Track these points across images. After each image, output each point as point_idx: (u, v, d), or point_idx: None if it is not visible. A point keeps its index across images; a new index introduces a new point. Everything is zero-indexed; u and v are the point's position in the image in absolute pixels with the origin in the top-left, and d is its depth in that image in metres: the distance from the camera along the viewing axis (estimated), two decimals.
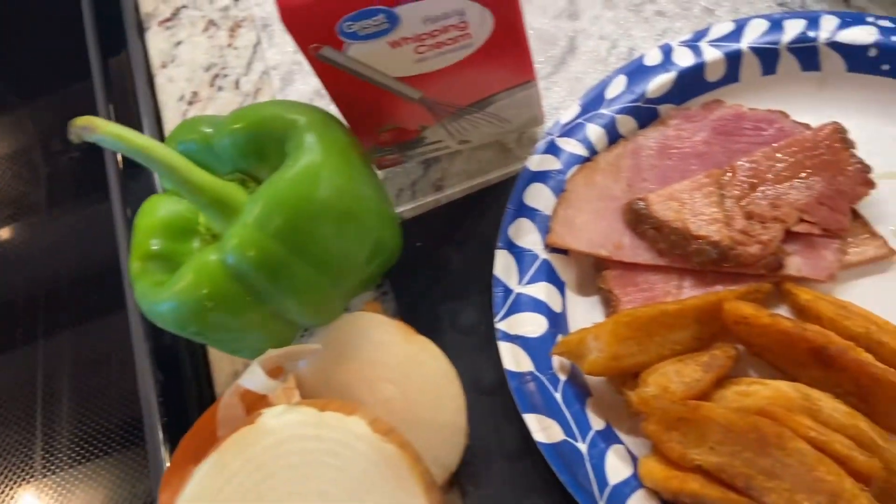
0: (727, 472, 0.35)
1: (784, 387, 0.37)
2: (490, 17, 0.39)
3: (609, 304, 0.43)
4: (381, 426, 0.36)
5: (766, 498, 0.34)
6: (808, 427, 0.35)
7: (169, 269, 0.40)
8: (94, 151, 0.60)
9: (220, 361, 0.50)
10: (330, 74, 0.41)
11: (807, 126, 0.45)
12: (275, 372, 0.42)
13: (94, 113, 0.60)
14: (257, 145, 0.40)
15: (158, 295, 0.38)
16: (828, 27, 0.46)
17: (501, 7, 0.39)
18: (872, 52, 0.45)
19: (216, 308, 0.38)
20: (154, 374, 0.49)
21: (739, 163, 0.45)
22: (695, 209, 0.44)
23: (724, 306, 0.39)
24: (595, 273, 0.45)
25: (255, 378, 0.39)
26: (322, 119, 0.40)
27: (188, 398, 0.49)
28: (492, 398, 0.44)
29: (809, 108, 0.47)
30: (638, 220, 0.44)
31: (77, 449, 0.52)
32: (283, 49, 0.60)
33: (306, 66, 0.44)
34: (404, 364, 0.42)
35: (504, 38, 0.41)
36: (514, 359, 0.42)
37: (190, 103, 0.60)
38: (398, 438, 0.36)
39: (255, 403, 0.40)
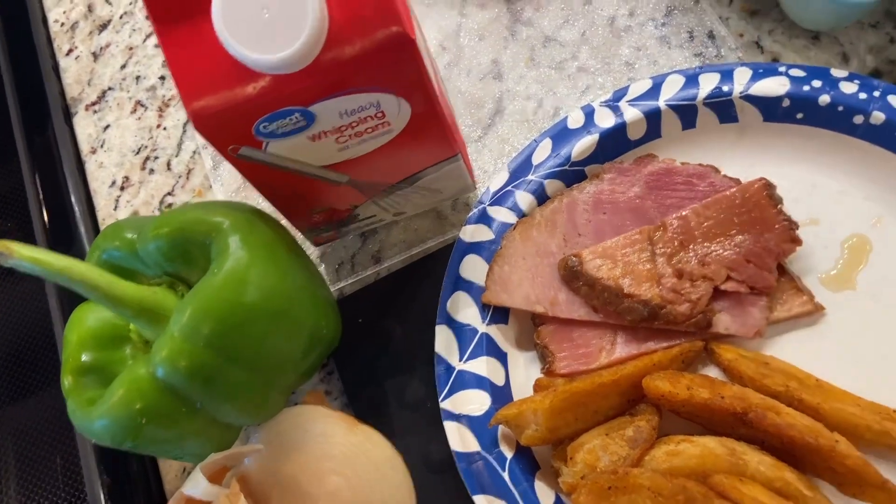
0: None
1: (711, 443, 0.38)
2: (406, 106, 0.40)
3: (545, 359, 0.44)
4: None
5: None
6: (752, 497, 0.36)
7: (102, 381, 0.40)
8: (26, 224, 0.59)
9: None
10: (252, 170, 0.41)
11: (737, 181, 0.46)
12: (219, 474, 0.42)
13: (24, 208, 0.58)
14: (182, 250, 0.39)
15: (90, 413, 0.38)
16: (741, 80, 0.47)
17: (416, 96, 0.39)
18: (786, 103, 0.47)
19: (150, 422, 0.37)
20: (100, 476, 0.48)
21: (670, 219, 0.45)
22: (627, 267, 0.44)
23: (643, 384, 0.39)
24: (533, 327, 0.45)
25: (197, 484, 0.39)
26: (246, 218, 0.40)
27: (135, 498, 0.48)
28: (442, 476, 0.44)
29: (731, 158, 0.48)
30: (572, 277, 0.45)
31: None
32: None
33: None
34: (349, 455, 0.41)
35: (423, 121, 0.41)
36: (460, 439, 0.42)
37: (122, 188, 0.59)
38: None
39: None
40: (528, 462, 0.42)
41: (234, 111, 0.37)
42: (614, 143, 0.48)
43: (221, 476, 0.42)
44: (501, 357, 0.45)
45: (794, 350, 0.43)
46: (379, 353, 0.49)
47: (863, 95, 0.45)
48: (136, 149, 0.60)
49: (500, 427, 0.42)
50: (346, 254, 0.53)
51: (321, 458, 0.41)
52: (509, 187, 0.48)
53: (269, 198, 0.44)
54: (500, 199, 0.48)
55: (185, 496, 0.39)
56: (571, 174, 0.48)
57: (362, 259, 0.52)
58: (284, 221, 0.47)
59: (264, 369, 0.39)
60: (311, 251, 0.53)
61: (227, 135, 0.38)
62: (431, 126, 0.42)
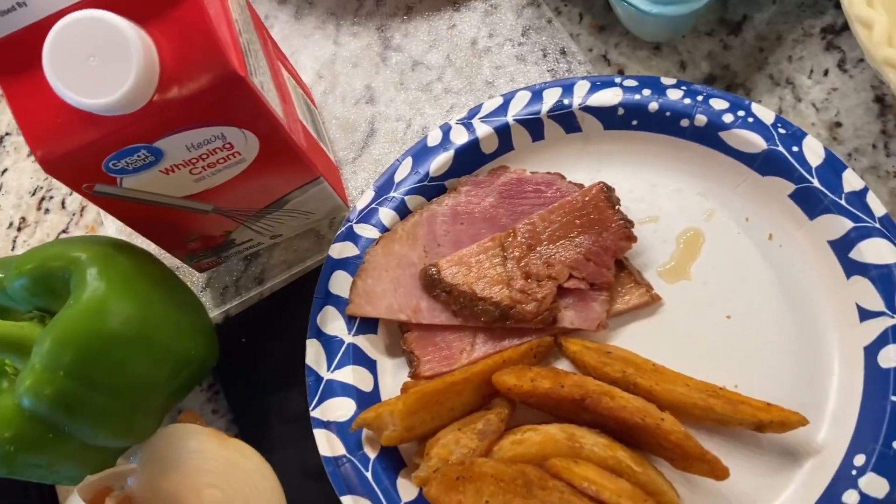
0: None
1: (553, 430, 0.41)
2: (253, 137, 0.42)
3: (411, 363, 0.47)
4: None
5: None
6: (583, 477, 0.39)
7: None
8: None
9: None
10: (113, 205, 0.43)
11: (580, 186, 0.50)
12: (101, 495, 0.43)
13: None
14: (45, 285, 0.42)
15: None
16: (580, 93, 0.51)
17: (260, 126, 0.42)
18: (621, 112, 0.50)
19: (20, 450, 0.39)
20: None
21: (519, 226, 0.49)
22: (480, 272, 0.48)
23: (493, 379, 0.43)
24: (401, 334, 0.48)
25: None
26: (104, 251, 0.42)
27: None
28: (320, 483, 0.47)
29: (578, 165, 0.51)
30: (431, 285, 0.48)
31: None
32: None
33: None
34: (223, 468, 0.44)
35: (274, 149, 0.44)
36: (328, 444, 0.45)
37: (19, 229, 0.61)
38: None
39: None
40: (392, 461, 0.45)
41: (80, 152, 0.39)
42: (470, 158, 0.52)
43: (103, 497, 0.44)
44: (370, 365, 0.48)
45: (636, 339, 0.47)
46: (262, 370, 0.51)
47: (687, 101, 0.49)
48: (32, 190, 0.63)
49: (364, 430, 0.45)
50: (231, 278, 0.55)
51: (197, 473, 0.44)
52: (374, 205, 0.51)
53: (138, 230, 0.47)
54: (365, 216, 0.51)
55: None
56: (431, 189, 0.51)
57: (246, 281, 0.55)
58: (162, 251, 0.50)
59: (127, 394, 0.41)
60: (197, 277, 0.55)
61: (77, 175, 0.40)
62: (283, 153, 0.45)
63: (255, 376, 0.51)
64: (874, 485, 0.38)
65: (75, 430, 0.40)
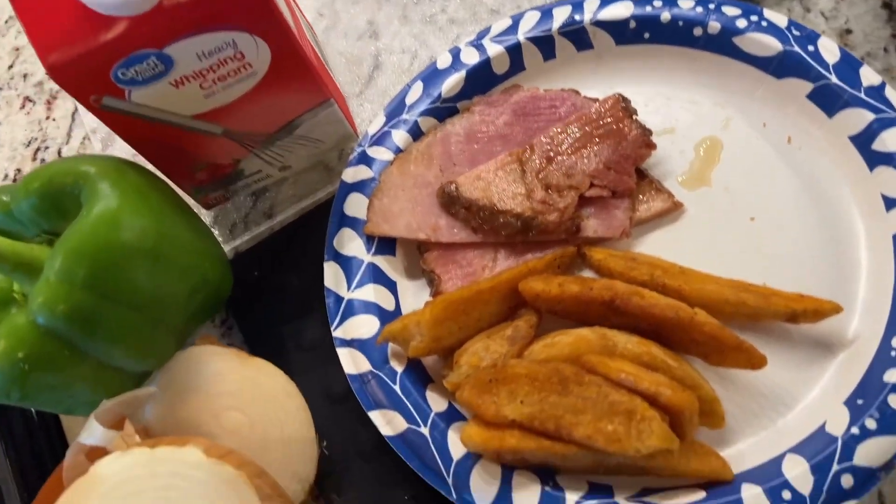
0: (539, 419, 0.37)
1: (584, 332, 0.40)
2: (264, 45, 0.41)
3: (432, 283, 0.46)
4: (216, 451, 0.37)
5: (576, 433, 0.36)
6: (619, 369, 0.38)
7: None
8: None
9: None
10: (120, 122, 0.42)
11: (595, 100, 0.49)
12: (116, 424, 0.42)
13: None
14: (54, 203, 0.40)
15: None
16: (590, 8, 0.50)
17: (272, 34, 0.41)
18: (632, 25, 0.50)
19: (35, 369, 0.38)
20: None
21: (537, 140, 0.48)
22: (499, 187, 0.47)
23: (519, 287, 0.42)
24: (420, 256, 0.47)
25: (93, 432, 0.39)
26: (115, 166, 0.41)
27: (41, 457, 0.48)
28: (344, 405, 0.45)
29: (591, 83, 0.51)
30: (450, 202, 0.47)
31: None
32: None
33: None
34: (245, 389, 0.42)
35: (286, 63, 0.43)
36: (353, 362, 0.44)
37: (14, 181, 0.59)
38: (236, 459, 0.37)
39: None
40: (419, 375, 0.43)
41: (89, 58, 0.38)
42: (481, 79, 0.51)
43: (120, 426, 0.42)
44: (390, 285, 0.47)
45: (660, 246, 0.46)
46: (276, 302, 0.50)
47: (699, 9, 0.49)
48: (27, 141, 0.61)
49: (390, 345, 0.44)
50: (239, 214, 0.54)
51: (218, 396, 0.42)
52: (386, 128, 0.50)
53: (146, 154, 0.45)
54: (378, 140, 0.50)
55: (82, 445, 0.40)
56: (444, 110, 0.51)
57: (255, 217, 0.54)
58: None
59: (146, 308, 0.39)
60: (204, 215, 0.54)
61: (86, 84, 0.39)
62: (296, 68, 0.44)
63: (270, 308, 0.50)
64: None
65: (93, 347, 0.38)
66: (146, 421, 0.43)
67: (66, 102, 0.62)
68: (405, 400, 0.42)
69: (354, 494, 0.44)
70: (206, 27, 0.39)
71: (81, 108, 0.60)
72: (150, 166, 0.46)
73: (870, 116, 0.44)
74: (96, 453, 0.40)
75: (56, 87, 0.62)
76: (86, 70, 0.38)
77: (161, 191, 0.43)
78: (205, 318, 0.45)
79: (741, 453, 0.39)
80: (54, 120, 0.61)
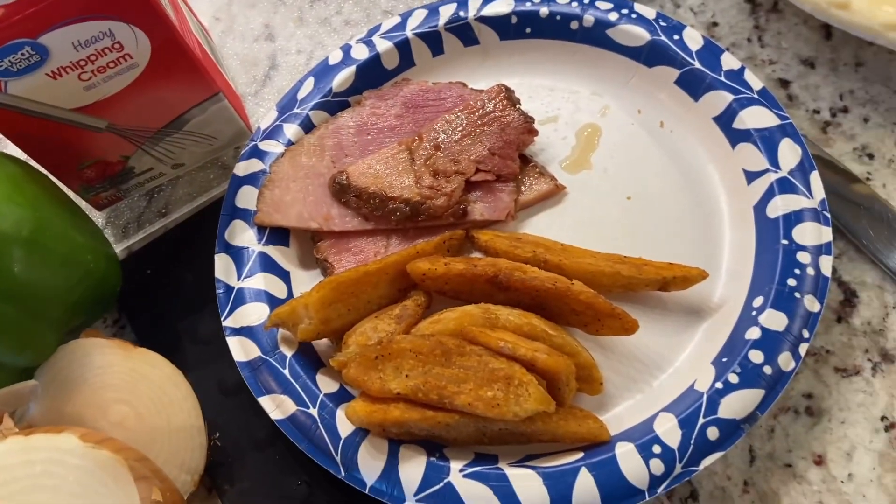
0: (423, 390, 0.38)
1: (469, 308, 0.42)
2: (143, 35, 0.42)
3: (326, 272, 0.46)
4: (93, 437, 0.36)
5: (457, 401, 0.37)
6: (498, 338, 0.39)
7: None
8: None
9: None
10: None
11: (480, 92, 0.51)
12: None
13: None
14: None
15: None
16: (474, 5, 0.53)
17: (150, 24, 0.41)
18: (514, 20, 0.52)
19: None
20: None
21: (425, 129, 0.49)
22: (389, 175, 0.48)
23: (407, 268, 0.43)
24: (313, 245, 0.48)
25: None
26: None
27: None
28: (237, 397, 0.45)
29: (478, 77, 0.53)
30: (341, 192, 0.48)
31: None
32: None
33: None
34: (129, 380, 0.42)
35: (168, 55, 0.43)
36: (242, 349, 0.44)
37: None
38: (113, 445, 0.36)
39: None
40: (309, 359, 0.44)
41: None
42: (372, 73, 0.52)
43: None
44: (283, 275, 0.47)
45: (544, 226, 0.48)
46: (170, 298, 0.50)
47: (574, 4, 0.51)
48: None
49: (280, 331, 0.44)
50: (133, 214, 0.54)
51: (103, 389, 0.42)
52: (278, 122, 0.51)
53: (28, 150, 0.45)
54: (269, 134, 0.51)
55: None
56: (335, 104, 0.52)
57: (149, 216, 0.53)
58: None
59: (24, 299, 0.39)
60: (96, 216, 0.53)
61: None
62: (178, 60, 0.44)
63: (162, 305, 0.49)
64: (773, 319, 0.40)
65: None
66: (30, 418, 0.42)
67: None
68: (294, 383, 0.42)
69: (248, 483, 0.43)
70: (81, 16, 0.39)
71: None
72: (35, 164, 0.46)
73: (729, 97, 0.47)
74: None
75: None
76: None
77: (40, 184, 0.42)
78: (94, 317, 0.45)
79: (619, 417, 0.41)
80: None
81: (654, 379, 0.42)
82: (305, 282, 0.48)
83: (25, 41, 0.39)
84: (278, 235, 0.48)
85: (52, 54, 0.40)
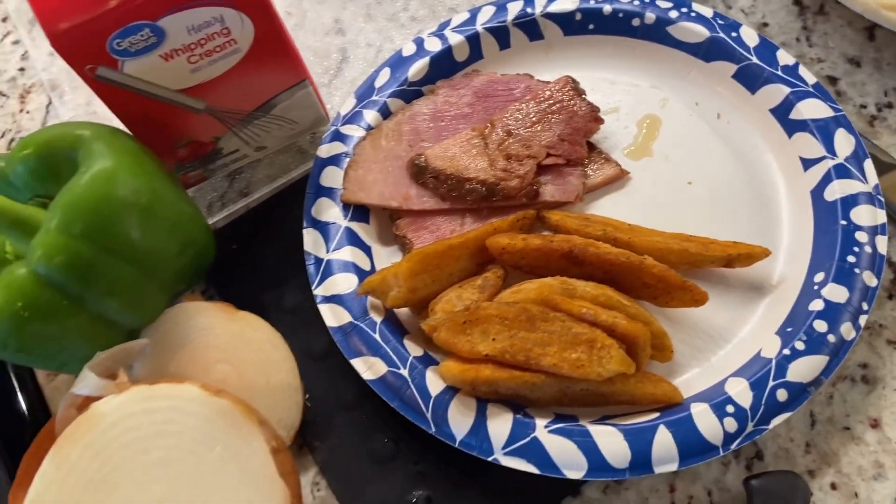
0: (510, 352, 0.41)
1: (547, 279, 0.45)
2: (249, 22, 0.45)
3: (405, 248, 0.49)
4: (211, 388, 0.39)
5: (543, 362, 0.40)
6: (580, 305, 0.42)
7: None
8: None
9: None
10: (112, 94, 0.45)
11: (547, 83, 0.54)
12: (109, 376, 0.44)
13: None
14: (50, 165, 0.42)
15: None
16: (540, 3, 0.56)
17: (256, 10, 0.45)
18: (578, 17, 0.56)
19: (33, 318, 0.39)
20: None
21: (497, 117, 0.53)
22: (465, 158, 0.51)
23: (486, 243, 0.46)
24: (392, 224, 0.51)
25: (87, 382, 0.41)
26: (110, 130, 0.44)
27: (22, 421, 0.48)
28: (325, 362, 0.48)
29: (543, 70, 0.56)
30: (420, 173, 0.51)
31: None
32: (74, 104, 0.62)
33: (100, 116, 0.47)
34: (232, 342, 0.45)
35: (267, 40, 0.47)
36: (333, 316, 0.47)
37: None
38: (230, 396, 0.39)
39: None
40: (396, 326, 0.47)
41: (88, 26, 0.41)
42: (444, 65, 0.56)
43: (113, 378, 0.44)
44: (366, 249, 0.50)
45: (610, 208, 0.51)
46: (255, 271, 0.53)
47: (636, 2, 0.55)
48: (1, 133, 0.62)
49: (369, 298, 0.47)
50: (216, 194, 0.57)
51: (206, 349, 0.45)
52: (357, 108, 0.54)
53: (133, 129, 0.48)
54: (349, 119, 0.54)
55: (76, 397, 0.41)
56: (410, 93, 0.55)
57: (231, 196, 0.56)
58: None
59: (140, 261, 0.42)
60: None
61: (83, 53, 0.42)
62: (276, 46, 0.48)
63: (249, 277, 0.52)
64: (835, 292, 0.43)
65: (90, 298, 0.40)
66: (134, 377, 0.45)
67: (39, 96, 0.64)
68: (385, 346, 0.45)
69: (336, 440, 0.46)
70: (198, 2, 0.42)
71: (55, 101, 0.62)
72: None
73: (786, 90, 0.50)
74: (87, 404, 0.42)
75: (29, 82, 0.64)
76: (84, 38, 0.41)
77: (151, 157, 0.45)
78: (190, 284, 0.48)
79: (688, 382, 0.44)
80: (28, 112, 0.63)
81: (720, 349, 0.45)
82: (384, 257, 0.51)
83: (146, 23, 0.42)
84: (360, 213, 0.51)
85: (168, 37, 0.43)
